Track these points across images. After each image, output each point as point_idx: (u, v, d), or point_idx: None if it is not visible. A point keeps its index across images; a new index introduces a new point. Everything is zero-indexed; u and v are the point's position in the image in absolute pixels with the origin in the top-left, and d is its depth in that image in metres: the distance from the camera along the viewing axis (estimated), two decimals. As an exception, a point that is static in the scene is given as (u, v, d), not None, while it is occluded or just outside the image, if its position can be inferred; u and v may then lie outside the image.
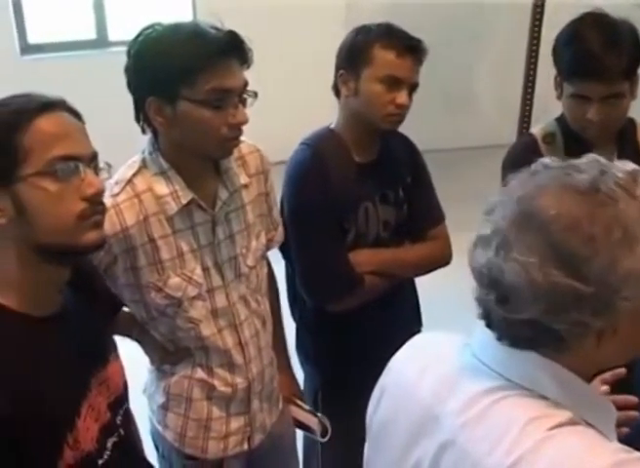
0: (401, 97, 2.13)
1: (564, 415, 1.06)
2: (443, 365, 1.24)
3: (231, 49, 1.71)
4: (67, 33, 6.49)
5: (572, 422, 1.05)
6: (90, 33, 6.41)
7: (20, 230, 1.33)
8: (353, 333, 2.33)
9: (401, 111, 2.16)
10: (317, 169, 2.20)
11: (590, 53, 2.02)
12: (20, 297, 1.38)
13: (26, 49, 6.30)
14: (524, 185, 1.10)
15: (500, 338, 1.13)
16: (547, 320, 1.04)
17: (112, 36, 6.39)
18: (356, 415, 2.39)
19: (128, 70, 1.77)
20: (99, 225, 1.40)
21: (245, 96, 1.78)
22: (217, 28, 1.72)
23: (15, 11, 6.17)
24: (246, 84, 1.77)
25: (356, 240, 2.27)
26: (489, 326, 1.15)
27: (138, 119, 1.81)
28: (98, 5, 6.32)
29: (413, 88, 2.16)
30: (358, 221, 2.26)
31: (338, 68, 2.22)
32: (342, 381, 2.41)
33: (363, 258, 2.26)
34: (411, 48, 2.12)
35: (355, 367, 2.33)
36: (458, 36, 6.38)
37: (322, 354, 2.43)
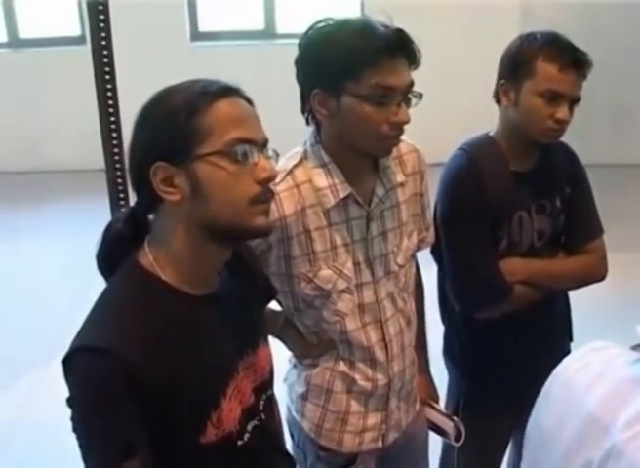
0: (561, 112, 2.07)
1: None
2: (615, 376, 1.24)
3: (398, 47, 1.72)
4: (237, 23, 6.67)
5: None
6: (258, 24, 6.56)
7: (193, 208, 1.37)
8: (501, 341, 2.29)
9: (560, 126, 2.10)
10: (472, 175, 2.17)
11: None
12: (180, 274, 1.42)
13: (196, 36, 6.52)
14: None
15: None
16: None
17: (280, 28, 6.52)
18: (495, 423, 2.40)
19: (297, 62, 1.81)
20: (267, 212, 1.43)
21: (410, 95, 1.78)
22: (386, 26, 1.73)
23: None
24: (411, 84, 1.77)
25: (509, 248, 2.23)
26: None
27: (303, 110, 1.84)
28: (268, -3, 6.47)
29: (574, 102, 2.10)
30: (512, 230, 2.22)
31: (499, 77, 2.18)
32: (486, 388, 2.39)
33: (514, 267, 2.22)
34: (575, 62, 2.05)
35: (501, 374, 2.32)
36: (630, 45, 6.14)
37: (468, 359, 2.42)
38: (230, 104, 1.39)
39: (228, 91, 1.40)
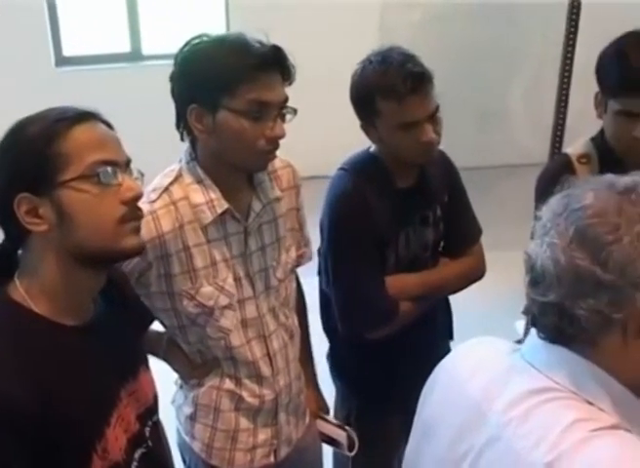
0: (426, 134, 2.05)
1: (608, 421, 1.10)
2: (494, 365, 1.29)
3: (274, 63, 1.74)
4: (102, 46, 6.56)
5: (614, 427, 1.09)
6: (124, 47, 6.47)
7: (61, 236, 1.35)
8: (389, 354, 2.29)
9: (433, 145, 2.09)
10: (357, 196, 2.15)
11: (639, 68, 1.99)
12: (53, 306, 1.39)
13: (61, 61, 6.37)
14: (581, 186, 1.17)
15: (539, 333, 1.19)
16: (569, 304, 1.10)
17: (146, 50, 6.45)
18: (387, 431, 2.40)
19: (172, 77, 1.80)
20: (137, 231, 1.42)
21: (284, 111, 1.80)
22: (262, 43, 1.75)
23: (51, 23, 6.24)
24: (286, 99, 1.80)
25: (396, 264, 2.23)
26: (533, 323, 1.21)
27: (178, 126, 1.84)
28: (132, 19, 6.38)
29: (434, 115, 2.08)
30: (399, 246, 2.22)
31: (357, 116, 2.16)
32: (376, 400, 2.38)
33: (404, 283, 2.22)
34: (414, 89, 2.02)
35: (391, 386, 2.32)
36: (492, 53, 6.33)
37: (357, 374, 2.42)
38: (88, 129, 1.38)
39: (86, 116, 1.39)
